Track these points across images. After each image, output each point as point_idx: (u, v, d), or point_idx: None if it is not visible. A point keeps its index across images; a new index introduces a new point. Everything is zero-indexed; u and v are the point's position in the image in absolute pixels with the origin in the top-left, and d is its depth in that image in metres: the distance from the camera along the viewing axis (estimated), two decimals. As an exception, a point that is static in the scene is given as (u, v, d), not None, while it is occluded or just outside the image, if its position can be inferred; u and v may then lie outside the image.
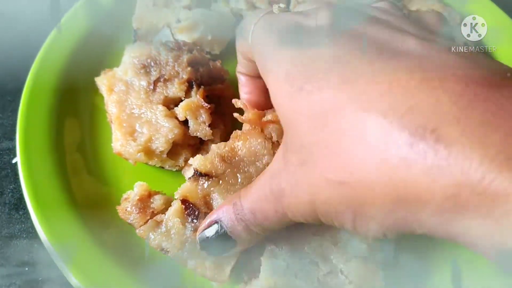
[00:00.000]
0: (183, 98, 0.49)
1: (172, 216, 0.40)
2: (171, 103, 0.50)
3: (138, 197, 0.41)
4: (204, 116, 0.48)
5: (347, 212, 0.28)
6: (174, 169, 0.50)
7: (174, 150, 0.49)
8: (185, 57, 0.51)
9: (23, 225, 0.49)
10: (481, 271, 0.37)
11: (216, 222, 0.36)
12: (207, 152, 0.42)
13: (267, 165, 0.36)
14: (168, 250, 0.40)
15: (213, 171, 0.40)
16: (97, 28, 0.60)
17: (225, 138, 0.49)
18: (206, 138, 0.49)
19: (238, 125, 0.45)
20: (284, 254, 0.41)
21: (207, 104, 0.48)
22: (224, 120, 0.52)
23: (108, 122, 0.51)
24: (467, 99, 0.23)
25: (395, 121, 0.24)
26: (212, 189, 0.40)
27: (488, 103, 0.23)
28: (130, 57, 0.51)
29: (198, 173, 0.40)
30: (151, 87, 0.50)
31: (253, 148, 0.40)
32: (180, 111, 0.48)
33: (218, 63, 0.53)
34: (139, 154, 0.47)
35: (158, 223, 0.40)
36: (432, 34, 0.30)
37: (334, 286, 0.40)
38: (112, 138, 0.49)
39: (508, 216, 0.20)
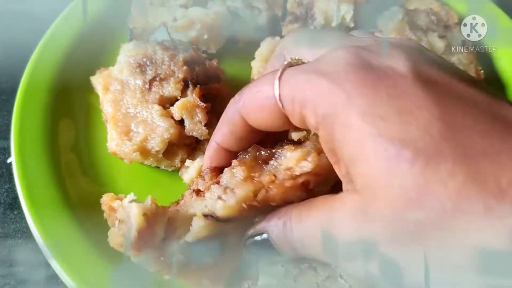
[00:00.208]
0: (179, 98, 0.49)
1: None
2: (166, 103, 0.49)
3: (137, 233, 0.32)
4: (200, 116, 0.48)
5: None
6: (170, 169, 0.50)
7: (170, 150, 0.49)
8: (181, 56, 0.51)
9: (18, 225, 0.49)
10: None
11: (265, 232, 0.34)
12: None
13: None
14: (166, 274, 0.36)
15: (237, 216, 0.34)
16: (92, 27, 0.59)
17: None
18: (202, 138, 0.49)
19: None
20: (282, 259, 0.41)
21: (203, 103, 0.48)
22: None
23: (103, 122, 0.51)
24: None
25: None
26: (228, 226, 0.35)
27: None
28: (126, 56, 0.51)
29: (215, 218, 0.34)
30: (147, 86, 0.49)
31: (289, 198, 0.34)
32: (176, 110, 0.48)
33: (214, 62, 0.53)
34: (134, 153, 0.46)
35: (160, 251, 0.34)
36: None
37: (334, 291, 0.40)
38: (107, 138, 0.49)
39: None
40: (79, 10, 0.59)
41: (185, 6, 0.59)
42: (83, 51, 0.57)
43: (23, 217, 0.45)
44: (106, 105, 0.49)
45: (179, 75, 0.50)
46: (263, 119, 0.33)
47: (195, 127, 0.48)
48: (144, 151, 0.47)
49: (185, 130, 0.48)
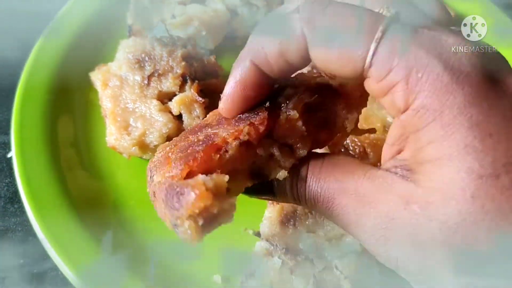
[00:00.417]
0: (177, 93, 0.50)
1: None
2: (165, 98, 0.50)
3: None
4: (198, 111, 0.49)
5: None
6: (168, 163, 0.50)
7: (168, 145, 0.49)
8: (179, 52, 0.51)
9: (18, 218, 0.49)
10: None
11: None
12: None
13: None
14: None
15: None
16: (92, 24, 0.60)
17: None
18: (200, 133, 0.49)
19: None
20: (279, 251, 0.41)
21: (201, 99, 0.49)
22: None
23: (102, 117, 0.52)
24: None
25: None
26: None
27: None
28: (125, 53, 0.52)
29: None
30: (146, 81, 0.50)
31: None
32: (174, 105, 0.48)
33: (212, 58, 0.54)
34: (133, 148, 0.47)
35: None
36: None
37: (330, 282, 0.40)
38: (106, 133, 0.49)
39: None
40: (79, 7, 0.60)
41: (183, 3, 0.60)
42: (82, 48, 0.58)
43: (23, 211, 0.45)
44: (105, 100, 0.50)
45: (178, 71, 0.50)
46: (319, 56, 0.28)
47: (193, 122, 0.48)
48: (142, 145, 0.47)
49: (183, 125, 0.48)
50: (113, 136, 0.48)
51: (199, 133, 0.30)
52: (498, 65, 0.27)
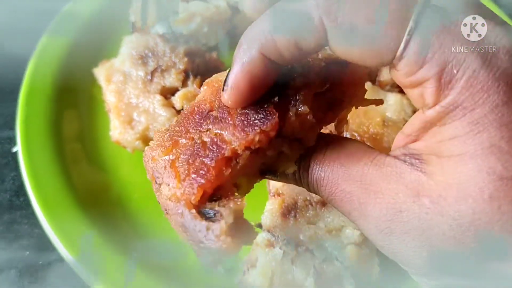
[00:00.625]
0: (179, 88, 0.51)
1: None
2: (168, 93, 0.51)
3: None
4: (200, 106, 0.50)
5: None
6: (171, 157, 0.51)
7: (171, 139, 0.50)
8: (181, 48, 0.52)
9: (24, 211, 0.50)
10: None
11: None
12: None
13: None
14: None
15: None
16: (95, 21, 0.61)
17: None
18: (202, 127, 0.50)
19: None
20: (280, 242, 0.42)
21: (203, 94, 0.49)
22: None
23: (106, 112, 0.52)
24: None
25: None
26: None
27: None
28: (128, 49, 0.52)
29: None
30: (149, 77, 0.51)
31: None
32: (177, 100, 0.49)
33: (214, 55, 0.55)
34: (137, 142, 0.48)
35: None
36: None
37: (331, 272, 0.41)
38: (110, 127, 0.50)
39: None
40: (83, 4, 0.61)
41: (186, 0, 0.61)
42: (86, 44, 0.59)
43: (29, 204, 0.46)
44: (109, 95, 0.51)
45: (180, 67, 0.51)
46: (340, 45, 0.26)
47: (195, 117, 0.49)
48: (146, 140, 0.48)
49: (186, 120, 0.49)
50: (117, 130, 0.49)
51: (201, 128, 0.28)
52: None
